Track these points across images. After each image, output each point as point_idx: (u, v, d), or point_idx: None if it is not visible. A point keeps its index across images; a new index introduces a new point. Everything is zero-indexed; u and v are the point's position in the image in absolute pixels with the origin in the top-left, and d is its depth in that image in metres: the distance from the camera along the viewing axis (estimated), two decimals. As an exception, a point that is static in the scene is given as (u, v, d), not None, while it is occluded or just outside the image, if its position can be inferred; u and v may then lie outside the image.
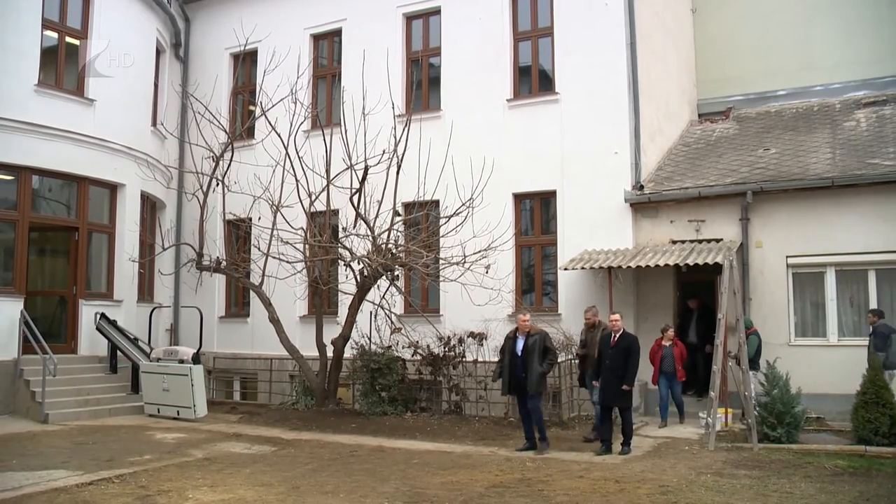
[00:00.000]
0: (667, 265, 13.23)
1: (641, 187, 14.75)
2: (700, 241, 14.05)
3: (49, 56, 15.87)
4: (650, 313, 14.31)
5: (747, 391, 11.36)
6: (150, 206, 18.54)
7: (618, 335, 11.11)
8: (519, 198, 15.77)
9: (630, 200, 14.68)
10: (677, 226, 14.53)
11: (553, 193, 15.41)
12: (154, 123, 18.47)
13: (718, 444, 11.08)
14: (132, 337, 16.04)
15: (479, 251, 13.39)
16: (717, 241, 13.94)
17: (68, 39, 16.21)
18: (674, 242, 14.32)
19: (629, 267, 13.45)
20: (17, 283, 15.03)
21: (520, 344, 11.16)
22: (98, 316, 15.94)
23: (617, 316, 11.44)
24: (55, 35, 15.97)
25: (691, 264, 13.04)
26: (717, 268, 12.43)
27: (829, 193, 13.45)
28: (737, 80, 19.14)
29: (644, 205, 14.70)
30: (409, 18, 17.41)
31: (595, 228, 14.71)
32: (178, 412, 14.35)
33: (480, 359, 14.00)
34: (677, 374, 13.02)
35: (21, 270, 15.15)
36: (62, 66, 16.12)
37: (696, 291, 15.01)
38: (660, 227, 14.69)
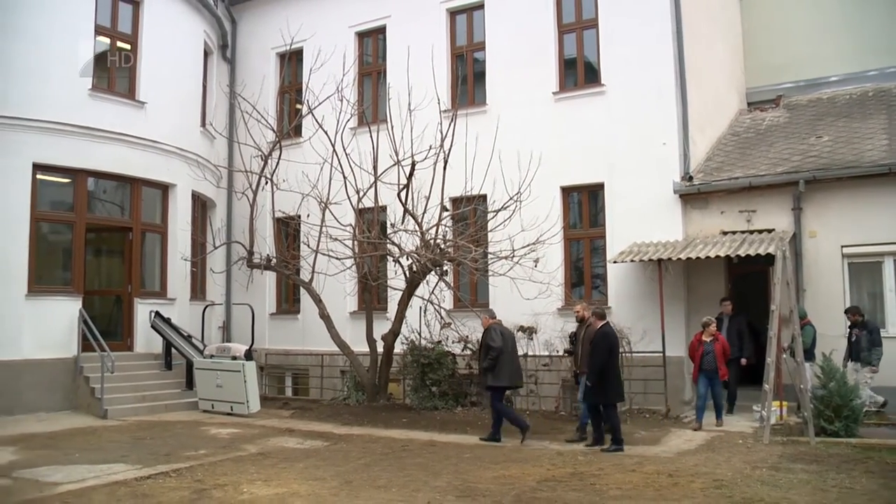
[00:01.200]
0: (718, 256, 13.04)
1: (690, 178, 14.57)
2: (751, 232, 13.83)
3: (101, 61, 16.18)
4: (701, 305, 14.11)
5: (803, 384, 11.16)
6: (200, 205, 18.82)
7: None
8: (567, 191, 15.70)
9: (679, 192, 14.52)
10: (728, 216, 14.32)
11: (601, 186, 15.30)
12: (203, 124, 18.74)
13: (773, 438, 10.92)
14: (186, 334, 16.31)
15: (528, 245, 13.36)
16: (769, 231, 13.71)
17: (119, 44, 16.51)
18: (724, 233, 14.12)
19: (679, 259, 13.30)
20: (76, 283, 15.39)
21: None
22: (153, 314, 16.23)
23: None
24: (107, 40, 16.30)
25: (743, 255, 12.82)
26: (770, 259, 12.21)
27: (886, 181, 13.10)
28: (787, 67, 18.75)
29: (693, 196, 14.52)
30: (453, 13, 17.40)
31: (644, 220, 14.57)
32: (231, 408, 14.56)
33: (531, 353, 13.97)
34: (719, 373, 12.23)
35: (79, 271, 15.51)
36: (114, 71, 16.44)
37: (748, 283, 14.80)
38: (710, 218, 14.50)
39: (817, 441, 10.61)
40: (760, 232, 13.75)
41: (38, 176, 15.01)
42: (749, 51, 19.57)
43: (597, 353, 10.85)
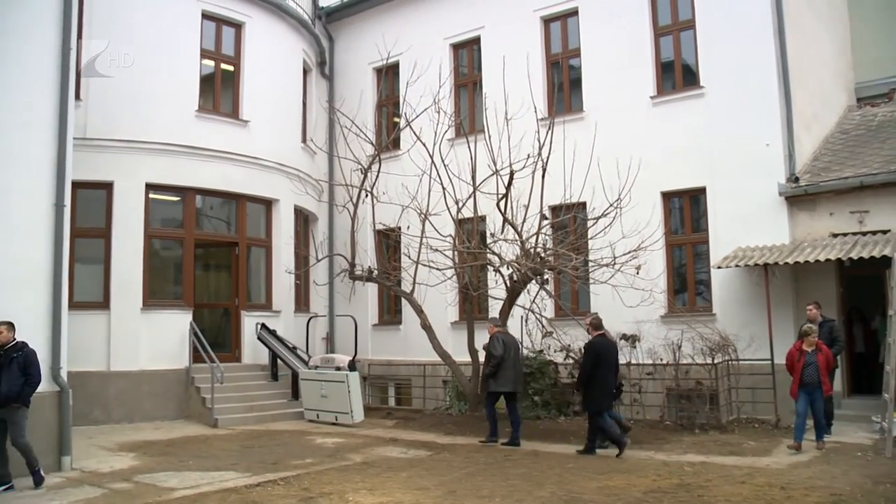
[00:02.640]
0: (828, 260, 12.59)
1: (797, 179, 14.12)
2: (864, 234, 13.27)
3: (207, 83, 16.83)
4: (811, 311, 13.69)
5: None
6: (303, 219, 19.27)
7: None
8: (667, 196, 15.44)
9: (785, 194, 14.09)
10: (838, 218, 13.81)
11: (702, 190, 15.00)
12: (304, 140, 19.21)
13: (896, 450, 10.44)
14: (291, 346, 16.68)
15: (629, 252, 13.18)
16: (884, 232, 13.10)
17: (223, 66, 17.14)
18: (834, 236, 13.61)
19: (786, 263, 12.91)
20: (186, 297, 16.00)
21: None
22: (259, 326, 16.68)
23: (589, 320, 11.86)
24: (211, 63, 16.94)
25: (855, 258, 12.31)
26: (885, 261, 11.73)
27: None
28: (898, 59, 18.00)
29: (800, 197, 14.06)
30: (547, 21, 17.35)
31: (748, 224, 14.20)
32: (336, 418, 14.83)
33: (634, 361, 13.78)
34: (822, 387, 11.13)
35: (189, 285, 16.12)
36: (219, 92, 17.07)
37: (861, 287, 14.23)
38: (818, 220, 14.01)
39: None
40: (874, 233, 13.17)
41: (150, 195, 15.69)
42: (857, 44, 18.83)
43: (583, 363, 11.56)
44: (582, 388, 11.56)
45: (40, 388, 10.28)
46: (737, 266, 13.47)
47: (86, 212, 14.84)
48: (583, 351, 11.78)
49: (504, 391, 12.54)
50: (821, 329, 12.08)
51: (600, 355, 11.35)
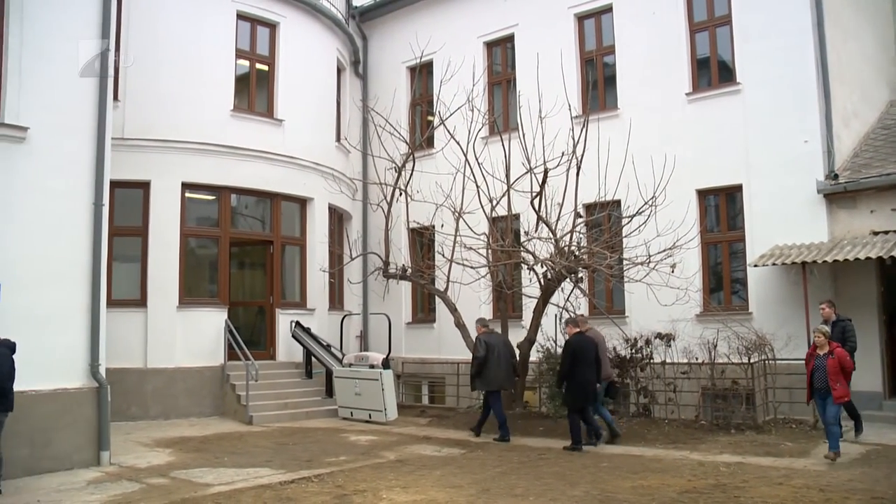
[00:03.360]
0: (868, 258, 12.39)
1: (836, 176, 13.91)
2: (906, 232, 13.08)
3: (242, 82, 16.96)
4: (850, 310, 13.35)
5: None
6: (337, 217, 19.36)
7: None
8: (703, 194, 15.29)
9: (823, 191, 13.88)
10: (879, 216, 13.56)
11: (739, 188, 14.84)
12: (338, 139, 19.30)
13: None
14: (325, 343, 16.76)
15: (664, 250, 13.07)
16: (927, 230, 12.92)
17: (258, 66, 17.27)
18: (875, 234, 13.37)
19: (825, 262, 12.72)
20: (221, 295, 16.15)
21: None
22: (293, 324, 16.78)
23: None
24: (246, 63, 17.08)
25: (897, 256, 12.16)
26: (928, 259, 11.54)
27: None
28: (942, 53, 17.63)
29: (840, 195, 13.84)
30: (581, 18, 17.26)
31: (785, 222, 14.02)
32: (369, 415, 14.87)
33: (669, 360, 13.66)
34: (833, 392, 10.23)
35: (224, 283, 16.27)
36: (253, 91, 17.21)
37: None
38: (858, 217, 13.78)
39: None
40: (917, 231, 12.97)
41: (186, 194, 15.86)
42: (899, 38, 18.49)
43: (561, 361, 12.05)
44: (561, 385, 12.11)
45: (79, 384, 10.55)
46: (774, 264, 13.32)
47: (123, 211, 14.99)
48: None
49: (492, 389, 12.95)
50: (833, 329, 11.46)
51: (576, 353, 11.66)
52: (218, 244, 16.36)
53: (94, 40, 11.08)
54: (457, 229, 14.45)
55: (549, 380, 14.53)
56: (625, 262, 13.89)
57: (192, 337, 15.46)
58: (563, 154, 13.43)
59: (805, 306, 13.16)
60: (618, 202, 14.49)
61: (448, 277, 14.89)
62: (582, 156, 13.36)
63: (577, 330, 11.99)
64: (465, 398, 16.77)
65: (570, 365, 11.67)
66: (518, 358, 13.80)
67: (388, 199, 15.18)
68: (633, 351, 14.00)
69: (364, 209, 19.68)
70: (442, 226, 15.46)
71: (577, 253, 13.52)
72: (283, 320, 16.94)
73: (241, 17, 16.70)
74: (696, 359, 13.45)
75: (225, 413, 15.40)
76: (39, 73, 10.55)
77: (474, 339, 13.23)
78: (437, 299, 16.56)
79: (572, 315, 12.55)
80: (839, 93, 14.54)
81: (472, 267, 14.52)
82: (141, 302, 15.21)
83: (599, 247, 13.53)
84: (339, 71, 19.74)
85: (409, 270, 15.80)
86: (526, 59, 16.80)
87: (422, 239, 17.82)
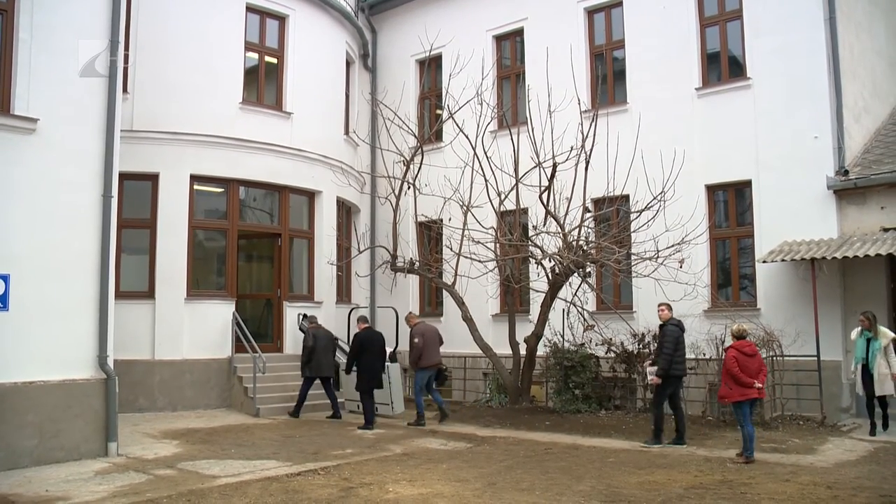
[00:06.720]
0: (878, 255, 12.34)
1: (846, 172, 13.84)
2: (917, 228, 13.00)
3: (251, 75, 16.96)
4: (859, 307, 13.32)
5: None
6: (345, 210, 19.36)
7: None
8: (712, 189, 15.22)
9: (833, 187, 13.81)
10: (889, 212, 13.48)
11: (748, 183, 14.76)
12: (346, 132, 19.28)
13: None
14: (333, 337, 16.74)
15: (672, 245, 13.06)
16: (938, 227, 12.85)
17: (267, 59, 17.25)
18: (885, 230, 13.31)
19: (834, 258, 12.67)
20: (229, 288, 16.17)
21: None
22: (301, 317, 16.77)
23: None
24: (255, 56, 17.05)
25: (907, 254, 12.09)
26: (939, 257, 11.48)
27: None
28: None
29: (849, 191, 13.77)
30: (591, 12, 17.19)
31: (795, 218, 13.96)
32: (376, 408, 14.84)
33: (676, 356, 13.62)
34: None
35: (232, 275, 16.28)
36: (262, 84, 17.19)
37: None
38: (868, 214, 13.70)
39: None
40: (928, 228, 12.90)
41: (195, 186, 15.86)
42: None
43: (349, 351, 14.06)
44: (349, 371, 13.82)
45: (87, 375, 10.56)
46: (783, 260, 13.27)
47: (132, 203, 15.04)
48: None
49: (320, 376, 14.83)
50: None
51: (364, 344, 13.49)
52: (226, 237, 16.36)
53: (104, 32, 11.07)
54: (465, 223, 14.47)
55: (555, 374, 14.54)
56: (633, 257, 13.88)
57: (200, 329, 15.47)
58: (571, 148, 13.43)
59: (814, 303, 13.12)
60: (626, 197, 14.46)
61: (456, 271, 14.91)
62: (591, 150, 13.34)
63: (366, 325, 14.06)
64: (472, 392, 16.82)
65: (357, 354, 13.53)
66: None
67: (397, 192, 15.18)
68: (641, 346, 14.00)
69: (372, 202, 19.69)
70: (450, 219, 15.46)
71: (585, 247, 13.52)
72: (291, 313, 16.94)
73: (250, 9, 16.66)
74: (704, 354, 13.43)
75: (232, 405, 15.44)
76: (49, 64, 10.54)
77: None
78: (445, 293, 16.57)
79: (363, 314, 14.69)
80: (850, 88, 14.46)
81: (479, 261, 14.52)
82: (149, 294, 15.22)
83: (608, 241, 13.51)
84: (347, 64, 19.71)
85: (417, 264, 15.81)
86: (535, 53, 16.75)
87: (430, 232, 17.82)
